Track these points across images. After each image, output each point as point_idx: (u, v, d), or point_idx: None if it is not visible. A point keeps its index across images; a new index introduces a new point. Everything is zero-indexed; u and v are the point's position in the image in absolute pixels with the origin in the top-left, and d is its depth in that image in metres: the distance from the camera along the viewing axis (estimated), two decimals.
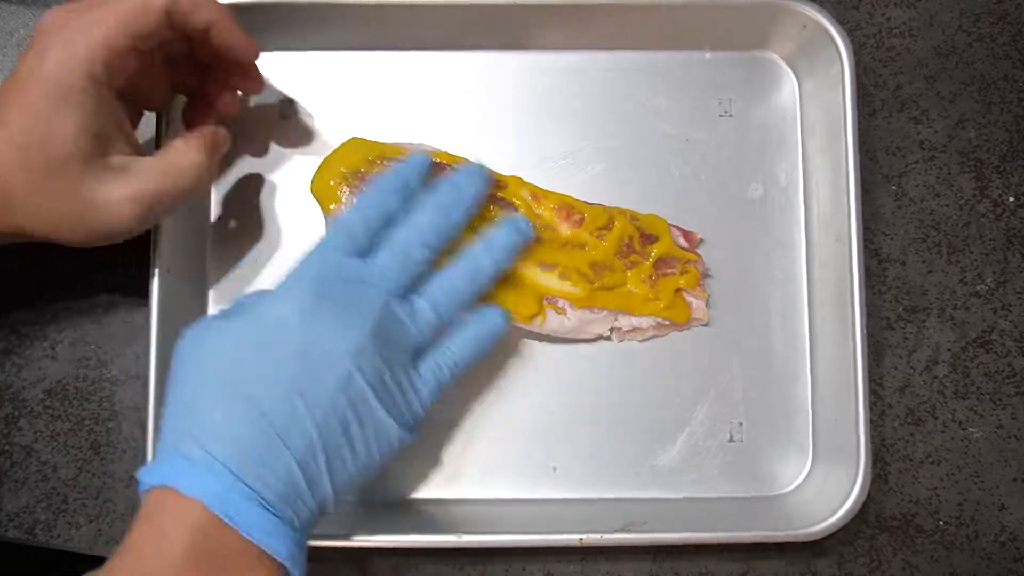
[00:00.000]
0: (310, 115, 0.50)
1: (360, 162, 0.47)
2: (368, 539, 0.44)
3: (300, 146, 0.50)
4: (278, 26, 0.49)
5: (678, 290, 0.48)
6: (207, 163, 0.42)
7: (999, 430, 0.49)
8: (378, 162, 0.47)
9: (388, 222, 0.42)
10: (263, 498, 0.36)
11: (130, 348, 0.49)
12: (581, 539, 0.44)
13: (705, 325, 0.49)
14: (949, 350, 0.50)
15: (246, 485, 0.35)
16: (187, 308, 0.48)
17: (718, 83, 0.51)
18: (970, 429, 0.49)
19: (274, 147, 0.50)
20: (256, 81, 0.46)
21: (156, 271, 0.45)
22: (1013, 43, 0.52)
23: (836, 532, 0.45)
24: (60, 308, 0.49)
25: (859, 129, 0.47)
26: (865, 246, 0.47)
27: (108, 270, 0.49)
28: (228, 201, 0.50)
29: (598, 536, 0.44)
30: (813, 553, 0.48)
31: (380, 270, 0.41)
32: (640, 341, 0.49)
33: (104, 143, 0.40)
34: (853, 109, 0.47)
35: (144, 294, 0.46)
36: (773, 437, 0.49)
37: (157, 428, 0.44)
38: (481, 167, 0.45)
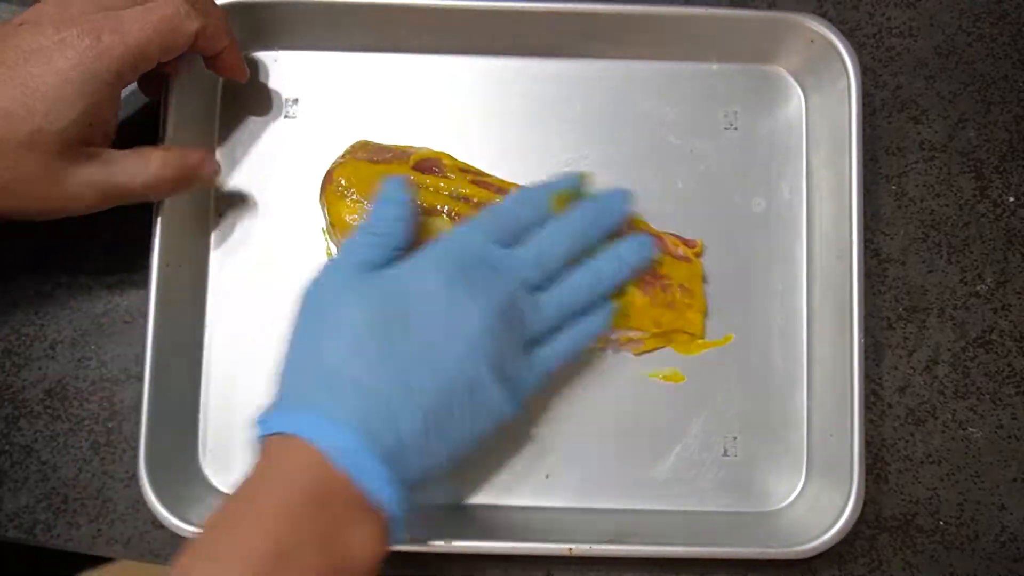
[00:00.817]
0: (314, 115, 0.50)
1: (367, 166, 0.47)
2: None
3: (304, 146, 0.50)
4: (285, 25, 0.49)
5: (681, 331, 0.48)
6: (174, 185, 0.44)
7: (999, 430, 0.49)
8: (383, 165, 0.46)
9: (535, 223, 0.44)
10: (380, 454, 0.37)
11: (130, 348, 0.49)
12: (571, 549, 0.44)
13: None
14: (949, 350, 0.50)
15: (367, 440, 0.37)
16: (187, 307, 0.48)
17: (724, 95, 0.51)
18: (970, 429, 0.49)
19: (277, 147, 0.50)
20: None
21: (155, 270, 0.45)
22: (1013, 43, 0.52)
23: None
24: (60, 308, 0.49)
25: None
26: (865, 246, 0.46)
27: (108, 270, 0.49)
28: (230, 200, 0.50)
29: (587, 547, 0.44)
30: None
31: (518, 261, 0.42)
32: (636, 353, 0.49)
33: (92, 133, 0.41)
34: (858, 125, 0.47)
35: (145, 294, 0.46)
36: (768, 452, 0.48)
37: (151, 426, 0.44)
38: (627, 193, 0.46)
